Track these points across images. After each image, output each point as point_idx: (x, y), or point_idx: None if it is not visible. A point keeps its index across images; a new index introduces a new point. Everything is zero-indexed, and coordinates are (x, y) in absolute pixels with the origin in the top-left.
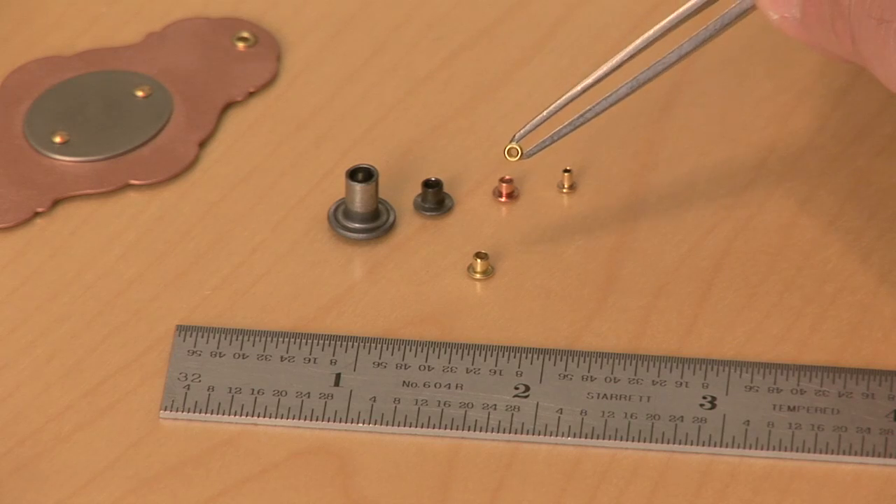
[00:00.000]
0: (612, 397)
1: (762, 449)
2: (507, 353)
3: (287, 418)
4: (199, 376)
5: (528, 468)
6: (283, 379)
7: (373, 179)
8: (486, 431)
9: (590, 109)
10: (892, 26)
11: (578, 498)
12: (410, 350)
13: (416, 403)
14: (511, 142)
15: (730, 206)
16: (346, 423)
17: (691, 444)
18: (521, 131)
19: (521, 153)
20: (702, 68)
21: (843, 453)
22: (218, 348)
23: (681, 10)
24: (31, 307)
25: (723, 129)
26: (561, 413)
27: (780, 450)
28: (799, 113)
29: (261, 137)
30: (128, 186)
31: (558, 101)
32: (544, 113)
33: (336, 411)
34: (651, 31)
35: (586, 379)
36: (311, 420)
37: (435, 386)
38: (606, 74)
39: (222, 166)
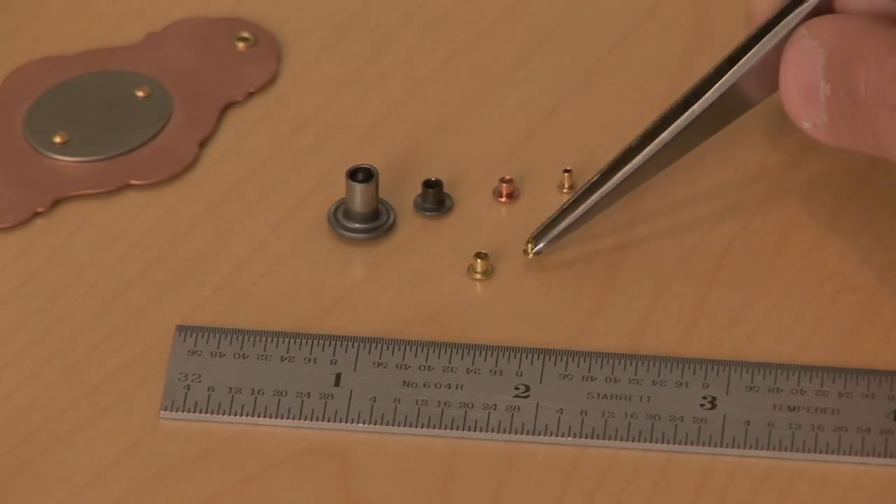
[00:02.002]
0: (612, 397)
1: (762, 449)
2: (507, 353)
3: (287, 418)
4: (200, 376)
5: (528, 468)
6: (283, 379)
7: (373, 179)
8: (486, 431)
9: (599, 198)
10: None
11: (578, 498)
12: (410, 350)
13: (417, 403)
14: (529, 244)
15: (730, 205)
16: (346, 423)
17: (691, 445)
18: (543, 241)
19: (530, 251)
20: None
21: (844, 453)
22: (218, 348)
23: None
24: (31, 307)
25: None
26: (561, 413)
27: (780, 450)
28: None
29: (261, 137)
30: (128, 186)
31: (579, 209)
32: (565, 222)
33: (336, 411)
34: (667, 133)
35: (586, 379)
36: (311, 420)
37: (435, 386)
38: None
39: (222, 166)
